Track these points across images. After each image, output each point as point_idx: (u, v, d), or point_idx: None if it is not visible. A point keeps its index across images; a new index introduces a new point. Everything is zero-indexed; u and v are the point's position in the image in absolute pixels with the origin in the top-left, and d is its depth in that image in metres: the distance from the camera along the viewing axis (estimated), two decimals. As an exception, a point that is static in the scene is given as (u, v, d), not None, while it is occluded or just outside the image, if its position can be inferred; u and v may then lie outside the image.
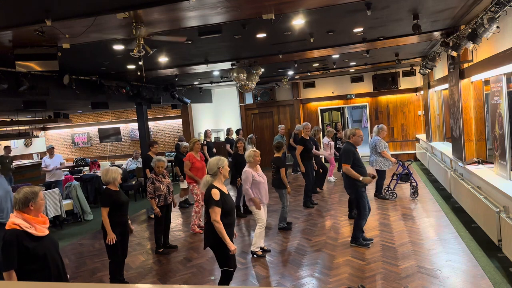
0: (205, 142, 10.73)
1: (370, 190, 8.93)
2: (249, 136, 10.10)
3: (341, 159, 5.67)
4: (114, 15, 4.06)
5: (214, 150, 11.42)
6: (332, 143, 10.39)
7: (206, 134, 11.31)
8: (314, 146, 8.74)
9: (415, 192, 8.14)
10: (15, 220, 2.91)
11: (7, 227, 2.92)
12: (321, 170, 9.27)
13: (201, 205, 7.07)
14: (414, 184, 8.19)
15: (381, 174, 8.21)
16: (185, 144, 9.09)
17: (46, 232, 3.03)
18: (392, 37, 7.31)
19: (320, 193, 9.36)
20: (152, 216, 8.01)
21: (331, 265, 5.09)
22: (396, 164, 8.36)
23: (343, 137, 10.51)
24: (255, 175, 5.57)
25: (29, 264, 2.91)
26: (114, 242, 4.65)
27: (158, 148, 8.15)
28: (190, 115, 15.16)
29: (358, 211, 5.67)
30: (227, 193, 4.04)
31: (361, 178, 5.44)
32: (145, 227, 7.86)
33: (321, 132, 10.92)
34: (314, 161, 8.67)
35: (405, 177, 8.38)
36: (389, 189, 8.34)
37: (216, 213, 3.82)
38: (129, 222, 5.13)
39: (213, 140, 14.61)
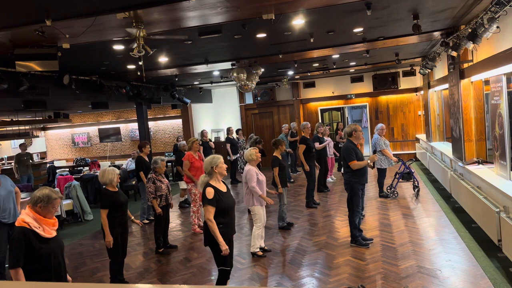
0: (200, 142, 10.75)
1: (372, 190, 8.94)
2: (250, 136, 10.11)
3: (344, 158, 5.64)
4: (114, 15, 4.06)
5: (214, 150, 11.45)
6: (332, 142, 10.38)
7: (202, 134, 11.37)
8: (318, 143, 8.87)
9: (418, 192, 8.15)
10: (25, 218, 2.92)
11: (17, 224, 2.94)
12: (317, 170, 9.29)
13: (199, 204, 7.08)
14: (416, 183, 8.21)
15: (381, 172, 8.23)
16: (182, 143, 9.12)
17: (54, 234, 3.04)
18: (392, 37, 7.31)
19: (324, 192, 9.35)
20: (146, 221, 8.03)
21: (331, 265, 5.08)
22: (398, 162, 8.39)
23: (342, 136, 10.50)
24: (258, 174, 5.57)
25: (32, 264, 2.91)
26: (111, 246, 4.65)
27: (149, 148, 8.03)
28: (190, 115, 15.15)
29: (350, 208, 5.66)
30: (225, 191, 4.03)
31: (368, 160, 5.54)
32: (145, 227, 7.86)
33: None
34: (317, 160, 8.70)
35: (407, 176, 8.40)
36: (391, 187, 8.37)
37: (210, 212, 3.84)
38: (132, 218, 5.15)
39: (212, 140, 14.62)
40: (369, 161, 5.54)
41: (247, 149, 5.88)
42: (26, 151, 11.69)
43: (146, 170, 7.74)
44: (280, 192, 6.48)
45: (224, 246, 3.83)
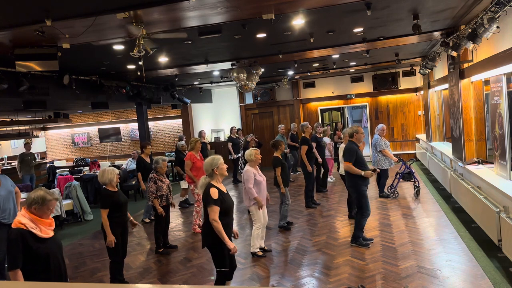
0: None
1: (372, 190, 8.93)
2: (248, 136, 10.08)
3: (344, 157, 5.66)
4: (114, 15, 4.06)
5: (214, 150, 11.43)
6: (332, 142, 10.37)
7: (201, 134, 11.35)
8: (317, 144, 8.81)
9: (418, 192, 8.16)
10: (21, 219, 2.92)
11: (13, 226, 2.94)
12: (322, 170, 9.29)
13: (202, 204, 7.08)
14: (416, 183, 8.21)
15: (382, 173, 8.23)
16: (181, 143, 9.12)
17: (51, 234, 3.04)
18: (392, 37, 7.31)
19: (323, 192, 9.35)
20: (147, 220, 8.06)
21: (331, 265, 5.09)
22: (399, 162, 8.39)
23: (342, 137, 10.49)
24: (256, 174, 5.56)
25: (30, 264, 2.91)
26: (113, 245, 4.64)
27: (151, 149, 8.06)
28: (190, 115, 15.16)
29: (359, 210, 5.65)
30: (225, 192, 4.03)
31: (362, 173, 5.43)
32: (145, 227, 7.86)
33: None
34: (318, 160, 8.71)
35: (408, 176, 8.41)
36: (392, 187, 8.37)
37: (215, 212, 3.81)
38: (131, 218, 5.11)
39: (212, 140, 14.63)
40: (363, 173, 5.43)
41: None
42: (30, 151, 11.68)
43: (145, 171, 7.76)
44: (283, 192, 6.49)
45: (231, 245, 3.82)
